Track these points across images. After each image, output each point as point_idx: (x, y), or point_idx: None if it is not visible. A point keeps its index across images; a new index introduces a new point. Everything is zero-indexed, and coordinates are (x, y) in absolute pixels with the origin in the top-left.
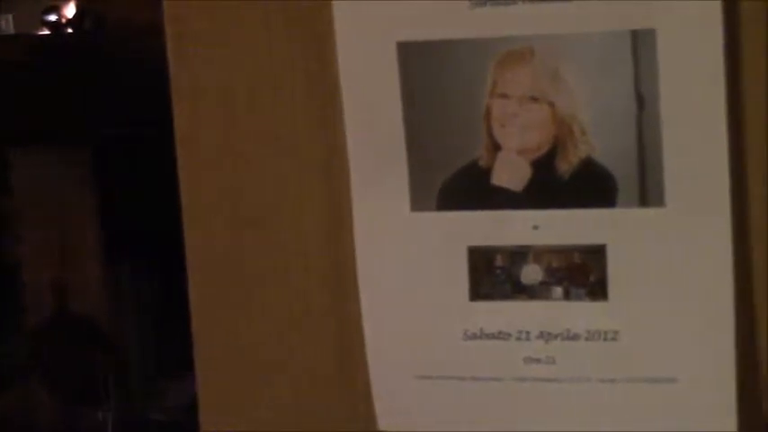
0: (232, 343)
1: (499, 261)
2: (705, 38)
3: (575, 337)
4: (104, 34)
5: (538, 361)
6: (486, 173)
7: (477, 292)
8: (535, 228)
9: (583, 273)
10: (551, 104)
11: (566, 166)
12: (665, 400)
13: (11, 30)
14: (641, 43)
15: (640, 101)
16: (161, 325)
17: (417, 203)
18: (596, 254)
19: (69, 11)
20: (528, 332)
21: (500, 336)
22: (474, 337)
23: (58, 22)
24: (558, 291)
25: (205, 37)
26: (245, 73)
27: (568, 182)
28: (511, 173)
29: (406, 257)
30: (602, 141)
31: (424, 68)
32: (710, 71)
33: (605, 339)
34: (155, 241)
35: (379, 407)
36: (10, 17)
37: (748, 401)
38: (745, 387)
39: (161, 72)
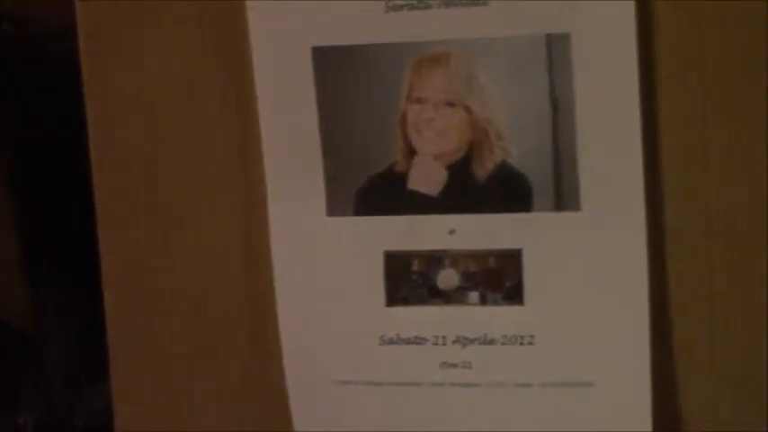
0: (147, 343)
1: (416, 266)
2: (619, 41)
3: (491, 342)
4: (24, 37)
5: (454, 366)
6: (403, 178)
7: (393, 298)
8: (451, 232)
9: (499, 277)
10: (467, 109)
11: (482, 170)
12: (581, 403)
13: None
14: (556, 47)
15: (555, 105)
16: (82, 329)
17: (333, 208)
18: (512, 258)
19: None
20: (444, 337)
21: (417, 341)
22: (390, 342)
23: None
24: (475, 295)
25: (118, 37)
26: (159, 73)
27: (484, 186)
28: (427, 178)
29: (322, 262)
30: (518, 146)
31: (340, 73)
32: (624, 74)
33: (521, 344)
34: (75, 245)
35: (295, 410)
36: None
37: (662, 400)
38: (659, 386)
39: (79, 74)
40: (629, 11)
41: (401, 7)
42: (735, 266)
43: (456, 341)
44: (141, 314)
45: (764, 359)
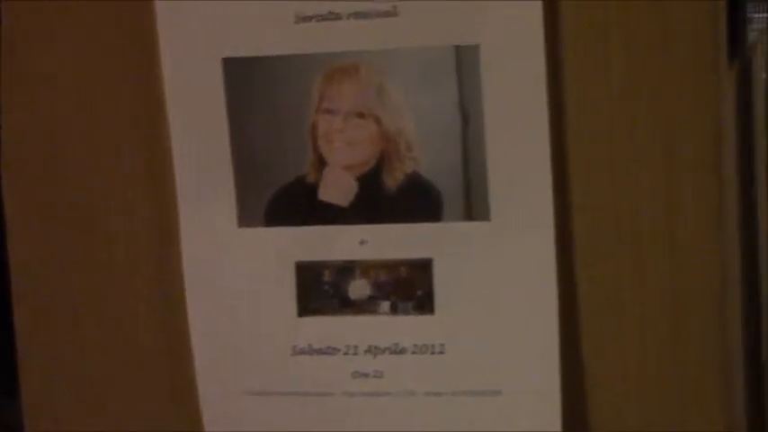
0: (58, 357)
1: (327, 276)
2: (527, 53)
3: (402, 351)
4: None
5: (366, 375)
6: (313, 188)
7: (305, 308)
8: (362, 243)
9: (410, 287)
10: (377, 120)
11: (392, 181)
12: (491, 412)
13: None
14: (465, 58)
15: (465, 116)
16: None
17: (245, 219)
18: (423, 268)
19: None
20: (356, 347)
21: (328, 351)
22: (302, 352)
23: None
24: (386, 305)
25: (33, 43)
26: (72, 80)
27: (395, 197)
28: (337, 188)
29: (233, 273)
30: (428, 156)
31: (251, 84)
32: (533, 86)
33: (432, 353)
34: None
35: (208, 421)
36: None
37: (571, 405)
38: (568, 392)
39: None
40: (536, 24)
41: (311, 18)
42: (642, 274)
43: (367, 351)
44: (51, 328)
45: (671, 363)
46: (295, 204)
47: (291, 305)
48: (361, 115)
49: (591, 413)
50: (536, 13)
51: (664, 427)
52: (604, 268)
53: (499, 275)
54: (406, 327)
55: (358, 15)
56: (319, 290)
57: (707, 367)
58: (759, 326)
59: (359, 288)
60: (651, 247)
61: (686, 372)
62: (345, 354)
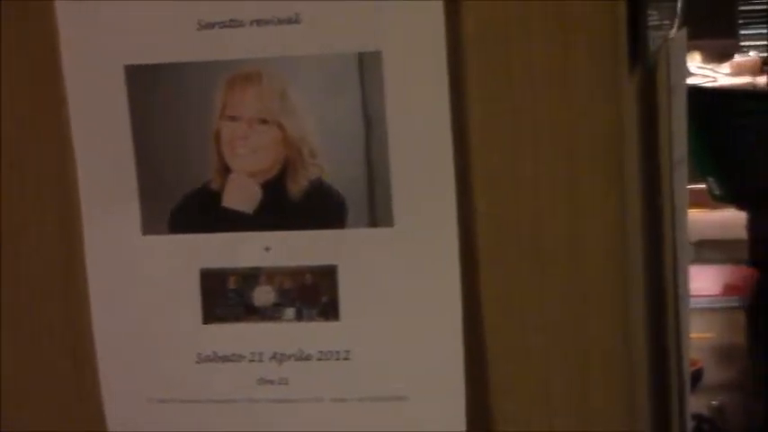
0: None
1: (232, 283)
2: (429, 59)
3: (307, 358)
4: None
5: (271, 382)
6: (218, 195)
7: (210, 315)
8: (267, 249)
9: (314, 293)
10: (281, 126)
11: (296, 187)
12: (396, 417)
13: None
14: (368, 65)
15: (368, 122)
16: None
17: (149, 227)
18: (327, 274)
19: None
20: (261, 353)
21: (233, 358)
22: (207, 359)
23: None
24: (291, 312)
25: None
26: None
27: (299, 203)
28: (241, 195)
29: (138, 281)
30: (332, 163)
31: (154, 92)
32: (435, 92)
33: (337, 359)
34: None
35: (113, 428)
36: None
37: (477, 412)
38: (473, 398)
39: None
40: (438, 30)
41: (213, 25)
42: (545, 280)
43: (272, 357)
44: None
45: (575, 368)
46: (199, 211)
47: (196, 312)
48: (264, 122)
49: (496, 417)
50: (437, 18)
51: (568, 428)
52: (508, 274)
53: (403, 281)
54: (311, 333)
55: (260, 22)
56: (224, 297)
57: (610, 372)
58: (665, 331)
59: (264, 295)
60: (554, 253)
61: (590, 376)
62: (250, 361)
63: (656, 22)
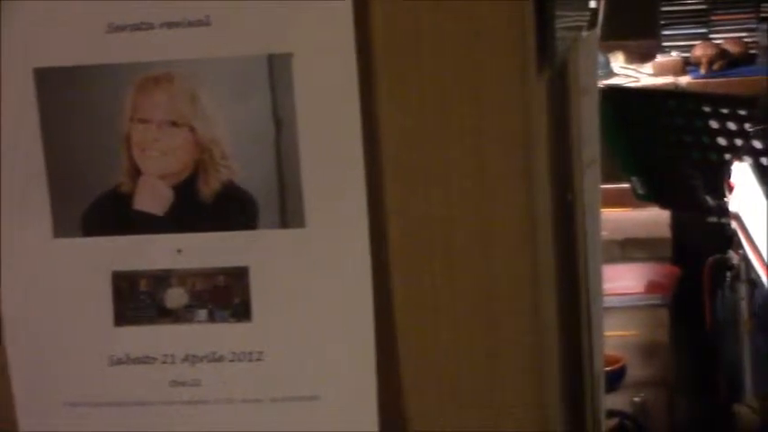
0: None
1: (143, 285)
2: (339, 61)
3: (220, 359)
4: None
5: (184, 384)
6: (129, 198)
7: (121, 317)
8: (179, 251)
9: (227, 295)
10: (192, 129)
11: (207, 189)
12: (309, 417)
13: None
14: (278, 67)
15: (279, 124)
16: None
17: (60, 230)
18: (240, 276)
19: None
20: (173, 355)
21: (146, 360)
22: (120, 362)
23: None
24: (203, 313)
25: None
26: None
27: (210, 205)
28: (152, 197)
29: (49, 283)
30: (243, 165)
31: (63, 95)
32: (345, 94)
33: (250, 360)
34: None
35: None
36: None
37: (389, 411)
38: (385, 397)
39: None
40: (348, 31)
41: (123, 28)
42: (456, 279)
43: (185, 359)
44: None
45: (486, 365)
46: (110, 214)
47: (108, 315)
48: (174, 124)
49: (408, 416)
50: (346, 20)
51: (479, 428)
52: (419, 273)
53: (315, 282)
54: (223, 334)
55: (170, 25)
56: (136, 299)
57: (521, 370)
58: (579, 330)
59: (176, 297)
60: (464, 252)
61: (500, 374)
62: (163, 362)
63: (566, 24)
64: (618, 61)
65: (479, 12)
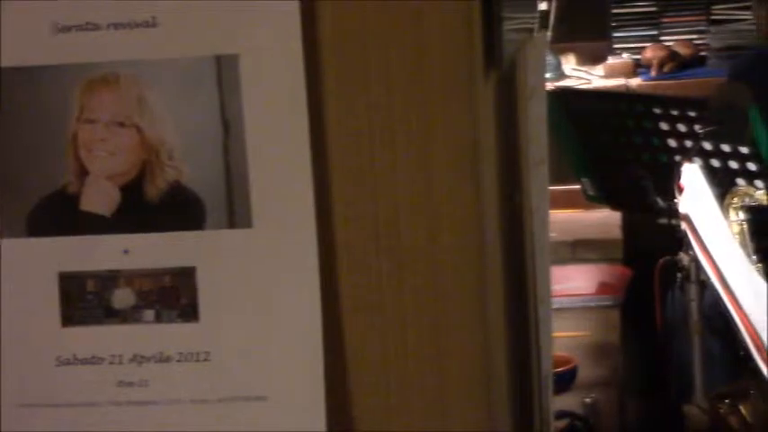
0: None
1: (90, 286)
2: (286, 63)
3: (167, 360)
4: None
5: (131, 384)
6: (75, 198)
7: (68, 318)
8: (126, 252)
9: (174, 295)
10: (138, 129)
11: (154, 190)
12: (256, 417)
13: None
14: (225, 68)
15: (226, 125)
16: None
17: (6, 230)
18: (187, 276)
19: None
20: (121, 356)
21: (93, 361)
22: (67, 363)
23: None
24: (150, 314)
25: None
26: None
27: (157, 206)
28: (99, 198)
29: None
30: (190, 165)
31: (10, 95)
32: (292, 95)
33: (197, 360)
34: None
35: None
36: None
37: (337, 411)
38: (332, 397)
39: None
40: (295, 32)
41: (70, 29)
42: (403, 280)
43: (132, 360)
44: None
45: (433, 366)
46: (57, 215)
47: (55, 316)
48: (121, 125)
49: (356, 416)
50: (293, 20)
51: (426, 428)
52: (366, 274)
53: (262, 282)
54: (171, 335)
55: (117, 26)
56: (83, 300)
57: (468, 371)
58: (527, 331)
59: (123, 297)
60: (412, 252)
61: (448, 374)
62: (110, 363)
63: (515, 26)
64: (569, 63)
65: (426, 13)
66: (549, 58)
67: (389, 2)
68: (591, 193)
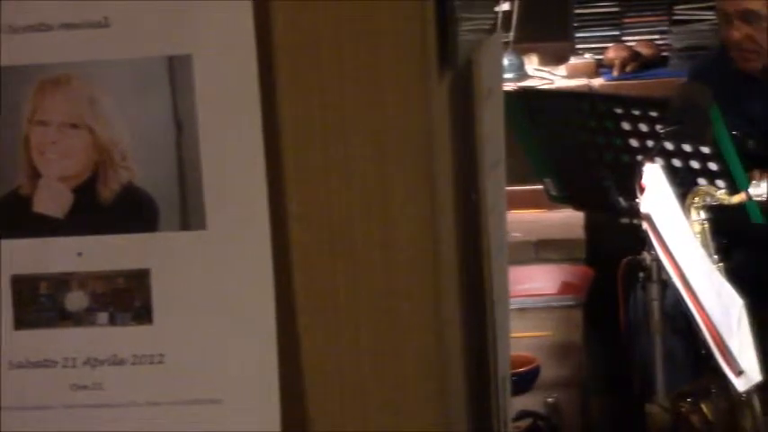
0: None
1: (43, 289)
2: (240, 61)
3: (121, 362)
4: None
5: (85, 387)
6: (28, 201)
7: (21, 321)
8: (79, 254)
9: (128, 297)
10: (91, 131)
11: (107, 192)
12: (211, 420)
13: None
14: (178, 69)
15: (179, 126)
16: None
17: None
18: (141, 278)
19: None
20: (74, 359)
21: (46, 364)
22: (20, 366)
23: None
24: (104, 316)
25: None
26: None
27: (111, 208)
28: (52, 200)
29: None
30: (143, 167)
31: None
32: (246, 95)
33: (151, 363)
34: None
35: None
36: None
37: (292, 412)
38: (287, 398)
39: None
40: (248, 32)
41: (21, 30)
42: (358, 281)
43: (86, 363)
44: None
45: (387, 366)
46: (9, 217)
47: (8, 318)
48: (74, 126)
49: (311, 416)
50: (246, 20)
51: (381, 428)
52: (321, 274)
53: (217, 284)
54: (124, 338)
55: (69, 26)
56: (36, 302)
57: (423, 370)
58: (485, 331)
59: (76, 300)
60: (366, 252)
61: (402, 374)
62: (64, 366)
63: (470, 26)
64: (532, 63)
65: (379, 12)
66: (512, 59)
67: (343, 1)
68: (554, 193)
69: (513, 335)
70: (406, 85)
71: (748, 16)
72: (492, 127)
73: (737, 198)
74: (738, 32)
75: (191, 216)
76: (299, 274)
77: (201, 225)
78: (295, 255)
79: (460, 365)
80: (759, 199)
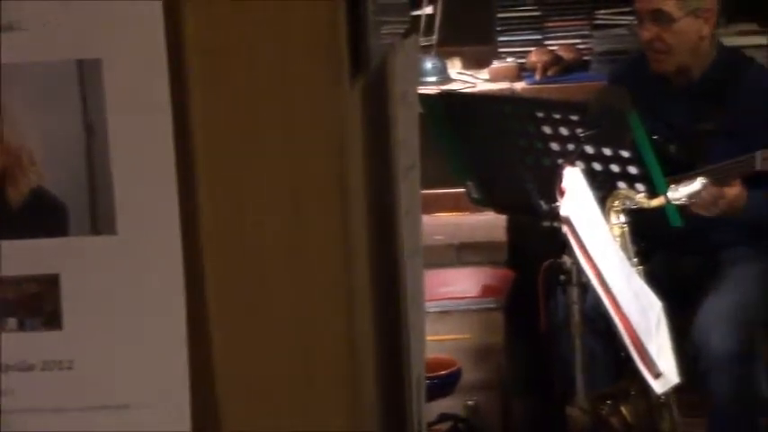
0: None
1: None
2: (150, 65)
3: (30, 368)
4: None
5: None
6: None
7: None
8: None
9: (38, 303)
10: None
11: (17, 196)
12: (120, 425)
13: None
14: (88, 72)
15: (89, 130)
16: None
17: None
18: (50, 283)
19: None
20: None
21: None
22: None
23: None
24: (13, 322)
25: None
26: None
27: (20, 212)
28: None
29: None
30: (53, 171)
31: None
32: (156, 99)
33: (60, 369)
34: None
35: None
36: None
37: (203, 413)
38: (198, 400)
39: None
40: (158, 36)
41: None
42: (269, 284)
43: None
44: None
45: (299, 368)
46: None
47: None
48: None
49: (222, 418)
50: (156, 22)
51: (291, 428)
52: (232, 279)
53: (127, 289)
54: (34, 343)
55: None
56: None
57: (335, 374)
58: (399, 333)
59: None
60: (277, 256)
61: (314, 377)
62: None
63: (384, 30)
64: (455, 67)
65: (291, 14)
66: (435, 62)
67: (254, 2)
68: (475, 196)
69: (435, 338)
70: (317, 90)
71: (658, 16)
72: (406, 130)
73: (657, 201)
74: (649, 32)
75: (101, 220)
76: (210, 280)
77: (112, 230)
78: (206, 258)
79: (373, 368)
80: (677, 203)
